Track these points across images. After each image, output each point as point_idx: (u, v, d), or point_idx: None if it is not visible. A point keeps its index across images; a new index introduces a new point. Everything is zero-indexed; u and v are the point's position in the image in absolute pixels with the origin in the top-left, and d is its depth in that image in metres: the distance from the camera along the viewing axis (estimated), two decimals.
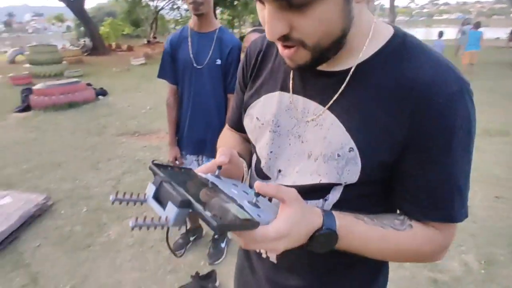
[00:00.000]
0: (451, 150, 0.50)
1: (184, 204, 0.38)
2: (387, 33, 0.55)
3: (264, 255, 0.69)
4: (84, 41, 20.50)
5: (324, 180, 0.56)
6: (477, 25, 7.97)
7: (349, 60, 0.54)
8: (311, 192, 0.57)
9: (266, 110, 0.63)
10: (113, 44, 21.13)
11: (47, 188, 3.15)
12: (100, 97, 7.01)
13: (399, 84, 0.51)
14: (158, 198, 0.41)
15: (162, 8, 23.49)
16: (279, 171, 0.62)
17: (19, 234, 2.42)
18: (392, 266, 0.73)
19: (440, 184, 0.53)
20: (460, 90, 0.50)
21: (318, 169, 0.56)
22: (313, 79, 0.57)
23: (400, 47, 0.53)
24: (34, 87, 6.27)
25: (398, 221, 0.56)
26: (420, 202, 0.54)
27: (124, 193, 0.39)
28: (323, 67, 0.54)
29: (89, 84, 7.17)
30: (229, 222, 0.38)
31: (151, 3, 22.61)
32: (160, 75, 1.88)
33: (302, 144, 0.58)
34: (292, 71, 0.60)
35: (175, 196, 0.38)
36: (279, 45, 0.50)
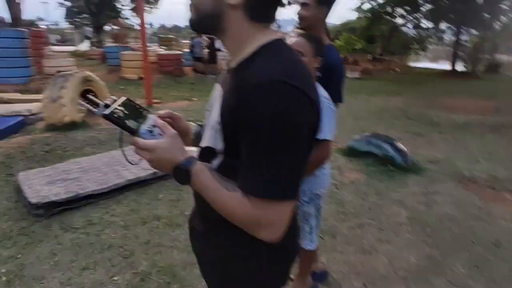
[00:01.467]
0: (252, 141, 0.66)
1: (105, 105, 0.80)
2: (264, 42, 0.73)
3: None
4: None
5: (205, 144, 0.83)
6: None
7: (234, 62, 0.77)
8: (205, 155, 0.82)
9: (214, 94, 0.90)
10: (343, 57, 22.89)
11: None
12: None
13: (242, 78, 0.69)
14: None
15: (402, 25, 23.05)
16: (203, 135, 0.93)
17: None
18: None
19: (247, 161, 0.69)
20: (270, 82, 0.64)
21: (207, 136, 0.84)
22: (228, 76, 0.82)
23: (259, 51, 0.72)
24: None
25: (233, 186, 0.73)
26: (241, 174, 0.71)
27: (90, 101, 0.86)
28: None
29: None
30: (115, 118, 0.78)
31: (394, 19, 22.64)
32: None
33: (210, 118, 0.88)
34: None
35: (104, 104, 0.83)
36: None
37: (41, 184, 2.99)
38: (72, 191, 2.91)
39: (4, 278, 2.14)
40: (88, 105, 0.80)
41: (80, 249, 2.44)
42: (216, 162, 0.79)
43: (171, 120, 0.89)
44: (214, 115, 0.78)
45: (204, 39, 11.54)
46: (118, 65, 10.90)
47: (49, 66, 9.65)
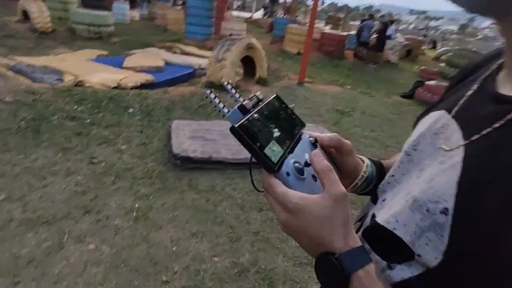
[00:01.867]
0: None
1: (243, 108, 0.46)
2: None
3: None
4: None
5: (397, 231, 0.42)
6: None
7: None
8: (381, 241, 0.45)
9: (418, 127, 0.52)
10: None
11: None
12: None
13: None
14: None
15: None
16: (384, 200, 0.52)
17: None
18: None
19: None
20: None
21: (401, 212, 0.42)
22: (481, 103, 0.41)
23: None
24: (427, 82, 6.79)
25: None
26: None
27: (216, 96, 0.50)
28: (506, 89, 0.38)
29: None
30: (248, 137, 0.42)
31: None
32: None
33: (416, 179, 0.45)
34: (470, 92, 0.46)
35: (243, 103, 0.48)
36: None
37: (185, 137, 3.19)
38: (207, 152, 2.99)
39: (134, 214, 2.35)
40: (216, 100, 0.49)
41: (196, 212, 2.46)
42: (403, 270, 0.42)
43: (334, 151, 0.55)
44: (427, 188, 0.41)
45: (376, 23, 10.38)
46: (282, 36, 11.15)
47: (225, 28, 10.72)
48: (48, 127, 3.13)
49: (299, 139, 0.53)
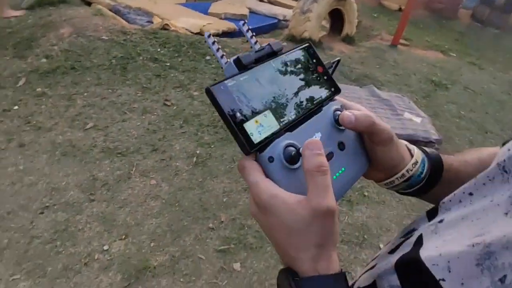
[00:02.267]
0: None
1: (238, 62, 0.35)
2: None
3: None
4: None
5: (446, 285, 0.28)
6: None
7: None
8: (416, 279, 0.33)
9: None
10: None
11: None
12: None
13: None
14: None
15: None
16: (441, 221, 0.37)
17: None
18: None
19: None
20: None
21: (460, 259, 0.28)
22: None
23: None
24: None
25: None
26: None
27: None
28: None
29: None
30: (222, 104, 0.32)
31: None
32: None
33: (504, 217, 0.29)
34: None
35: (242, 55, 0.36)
36: None
37: None
38: None
39: (195, 159, 2.47)
40: (214, 46, 0.37)
41: None
42: None
43: (367, 139, 0.42)
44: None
45: None
46: None
47: None
48: (133, 66, 3.38)
49: (319, 110, 0.39)
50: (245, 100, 0.33)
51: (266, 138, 0.34)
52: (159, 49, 3.72)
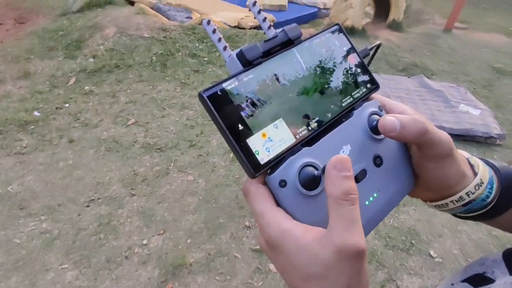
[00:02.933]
0: None
1: (241, 56, 0.28)
2: None
3: None
4: None
5: None
6: None
7: None
8: None
9: None
10: None
11: None
12: None
13: None
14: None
15: None
16: None
17: None
18: None
19: None
20: None
21: None
22: None
23: None
24: None
25: None
26: None
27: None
28: None
29: None
30: (220, 114, 0.25)
31: None
32: None
33: None
34: None
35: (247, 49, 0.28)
36: None
37: None
38: None
39: (231, 155, 2.45)
40: (215, 36, 0.30)
41: None
42: None
43: (416, 152, 0.32)
44: None
45: None
46: None
47: None
48: (173, 62, 3.44)
49: (349, 115, 0.30)
50: (249, 106, 0.26)
51: (276, 156, 0.26)
52: (197, 45, 3.74)
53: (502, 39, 5.31)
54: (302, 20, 5.57)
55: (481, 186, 0.32)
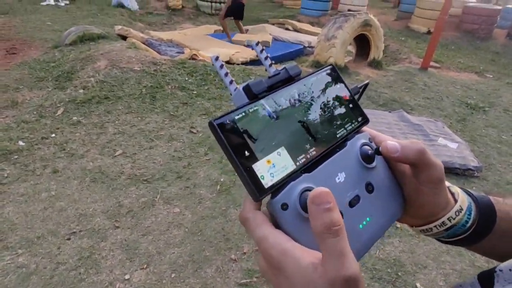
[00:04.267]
0: None
1: (248, 90, 0.31)
2: None
3: None
4: None
5: None
6: None
7: None
8: None
9: None
10: None
11: None
12: None
13: None
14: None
15: None
16: None
17: None
18: None
19: None
20: None
21: None
22: None
23: None
24: None
25: None
26: None
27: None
28: None
29: None
30: (228, 141, 0.28)
31: None
32: None
33: None
34: None
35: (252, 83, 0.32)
36: None
37: None
38: None
39: (218, 187, 2.45)
40: (223, 71, 0.34)
41: None
42: None
43: (408, 170, 0.36)
44: None
45: None
46: (410, 12, 9.67)
47: (343, 4, 9.94)
48: (162, 95, 3.52)
49: (343, 145, 0.34)
50: (255, 135, 0.30)
51: (279, 181, 0.29)
52: (186, 78, 3.85)
53: (472, 77, 5.70)
54: (288, 56, 5.85)
55: (460, 212, 0.36)
